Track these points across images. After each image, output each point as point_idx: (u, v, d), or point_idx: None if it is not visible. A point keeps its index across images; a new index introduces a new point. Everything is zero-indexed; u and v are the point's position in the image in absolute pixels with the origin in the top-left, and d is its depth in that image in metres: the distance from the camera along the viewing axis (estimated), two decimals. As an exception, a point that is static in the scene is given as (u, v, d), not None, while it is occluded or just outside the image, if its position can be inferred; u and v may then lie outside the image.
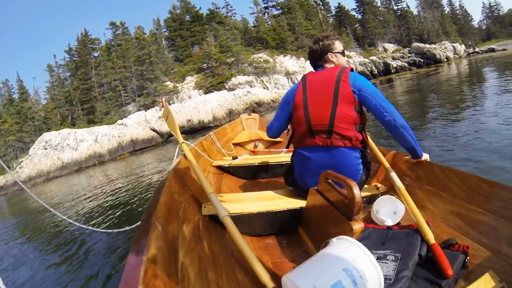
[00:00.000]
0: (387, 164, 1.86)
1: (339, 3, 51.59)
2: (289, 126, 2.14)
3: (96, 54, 40.60)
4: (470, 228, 1.32)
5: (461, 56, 41.86)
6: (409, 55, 39.93)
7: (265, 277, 1.14)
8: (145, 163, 13.07)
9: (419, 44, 41.89)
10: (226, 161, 3.12)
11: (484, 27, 79.69)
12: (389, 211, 1.62)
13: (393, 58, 39.11)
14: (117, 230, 2.01)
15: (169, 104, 26.94)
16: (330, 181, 1.50)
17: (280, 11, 45.47)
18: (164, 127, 24.08)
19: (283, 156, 3.27)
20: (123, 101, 34.41)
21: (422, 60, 38.42)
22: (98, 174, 15.40)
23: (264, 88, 29.76)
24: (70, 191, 11.78)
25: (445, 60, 38.55)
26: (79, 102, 37.74)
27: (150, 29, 43.28)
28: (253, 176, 3.13)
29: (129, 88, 34.98)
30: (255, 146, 4.35)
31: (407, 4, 55.69)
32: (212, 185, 2.57)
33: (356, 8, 52.17)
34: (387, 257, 1.27)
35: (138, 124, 24.85)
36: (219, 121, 24.09)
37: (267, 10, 46.79)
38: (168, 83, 33.32)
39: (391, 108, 1.64)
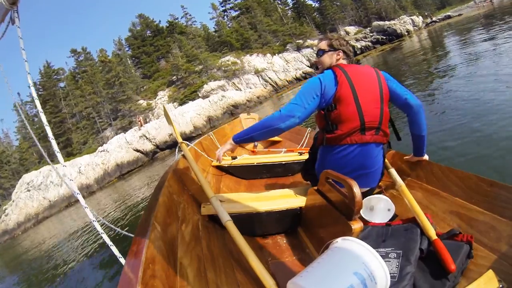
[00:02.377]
0: (387, 162, 1.84)
1: None
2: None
3: (62, 85, 39.43)
4: (470, 227, 1.31)
5: (420, 28, 43.21)
6: (371, 34, 40.68)
7: (266, 278, 1.13)
8: (135, 186, 12.87)
9: (378, 22, 42.81)
10: (226, 161, 3.11)
11: None
12: (383, 208, 1.63)
13: (357, 40, 39.82)
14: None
15: (146, 122, 26.87)
16: (330, 180, 1.51)
17: (239, 12, 45.55)
18: (147, 146, 23.76)
19: (283, 156, 3.28)
20: (99, 128, 33.75)
21: (384, 37, 39.30)
22: (89, 207, 14.66)
23: (237, 90, 29.93)
24: (64, 230, 11.35)
25: (406, 33, 39.66)
26: (53, 137, 36.79)
27: (112, 51, 42.40)
28: (252, 176, 3.14)
29: (103, 113, 34.31)
30: (255, 146, 4.37)
31: None
32: (212, 185, 2.55)
33: None
34: (389, 255, 1.28)
35: (120, 147, 24.50)
36: (200, 130, 24.12)
37: (226, 13, 46.84)
38: (141, 101, 32.94)
39: (409, 91, 1.72)
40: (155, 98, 33.35)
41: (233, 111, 25.77)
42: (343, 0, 52.38)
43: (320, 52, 1.85)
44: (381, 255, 1.23)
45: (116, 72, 33.60)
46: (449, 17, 46.58)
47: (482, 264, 1.15)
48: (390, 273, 1.14)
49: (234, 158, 3.21)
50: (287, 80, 31.78)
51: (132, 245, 1.05)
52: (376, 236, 1.44)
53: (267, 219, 1.89)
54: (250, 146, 4.36)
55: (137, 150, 24.19)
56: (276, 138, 4.43)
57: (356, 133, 1.62)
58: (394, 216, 1.61)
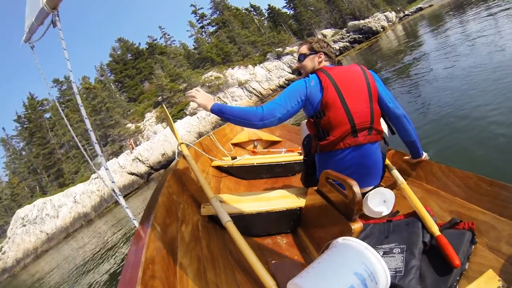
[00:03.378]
0: (387, 161, 1.83)
1: (269, 5, 53.31)
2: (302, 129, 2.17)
3: (48, 115, 39.16)
4: None
5: (394, 23, 44.50)
6: (348, 34, 41.45)
7: (266, 278, 1.13)
8: (134, 209, 12.61)
9: (354, 22, 43.75)
10: (226, 162, 3.11)
11: None
12: (379, 201, 1.60)
13: (334, 42, 40.55)
14: None
15: (136, 145, 26.91)
16: (330, 180, 1.51)
17: (216, 27, 46.17)
18: (140, 168, 23.74)
19: (283, 156, 3.27)
20: (90, 155, 33.49)
21: (361, 36, 40.17)
22: (89, 236, 14.85)
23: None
24: (65, 262, 11.00)
25: (381, 30, 40.66)
26: (43, 169, 36.40)
27: (95, 77, 42.30)
28: (252, 177, 3.13)
29: (92, 140, 33.89)
30: (254, 146, 4.38)
31: None
32: (212, 185, 2.54)
33: (286, 5, 53.82)
34: (393, 251, 1.28)
35: (114, 172, 24.30)
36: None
37: (204, 29, 47.41)
38: (130, 125, 33.03)
39: (393, 97, 1.70)
40: (143, 121, 33.44)
41: (222, 124, 26.06)
42: (317, 4, 53.48)
43: (302, 57, 1.86)
44: (385, 251, 1.28)
45: (102, 98, 33.61)
46: (420, 9, 48.28)
47: (482, 264, 1.15)
48: (396, 268, 1.19)
49: (234, 158, 3.21)
50: (271, 89, 32.30)
51: (132, 245, 1.05)
52: (379, 233, 1.44)
53: (267, 219, 1.90)
54: (250, 146, 4.38)
55: (132, 173, 24.16)
56: (276, 138, 4.49)
57: (349, 136, 1.60)
58: (396, 213, 1.61)
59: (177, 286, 0.99)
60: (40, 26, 1.76)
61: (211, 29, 47.71)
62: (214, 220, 1.79)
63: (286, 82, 32.81)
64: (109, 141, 32.58)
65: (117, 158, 26.42)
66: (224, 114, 1.62)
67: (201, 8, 47.99)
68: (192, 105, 30.18)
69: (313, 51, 1.81)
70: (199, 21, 47.36)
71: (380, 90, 1.67)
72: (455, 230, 1.26)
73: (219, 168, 3.07)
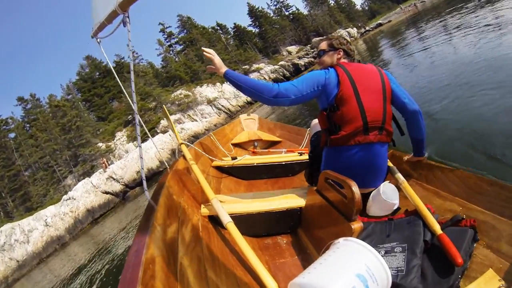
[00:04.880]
0: (388, 160, 1.80)
1: (235, 23, 54.83)
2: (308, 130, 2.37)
3: (12, 135, 37.48)
4: None
5: (356, 38, 47.58)
6: (312, 50, 42.81)
7: (267, 279, 1.13)
8: (110, 230, 12.46)
9: (317, 38, 44.11)
10: (226, 162, 3.12)
11: (366, 7, 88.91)
12: (391, 195, 1.57)
13: (299, 58, 42.80)
14: None
15: (109, 164, 26.79)
16: (330, 181, 1.51)
17: (183, 46, 47.04)
18: (115, 187, 23.46)
19: (283, 157, 3.28)
20: (60, 176, 32.62)
21: None
22: (63, 261, 13.85)
23: (193, 121, 31.07)
24: None
25: None
26: (8, 192, 34.75)
27: (61, 96, 41.26)
28: (252, 177, 3.13)
29: (62, 161, 33.14)
30: (255, 147, 4.39)
31: (296, 8, 60.52)
32: (212, 186, 2.51)
33: (251, 24, 55.88)
34: (395, 249, 1.28)
35: (87, 192, 23.96)
36: (167, 163, 24.11)
37: (172, 48, 48.10)
38: (100, 144, 32.71)
39: (408, 94, 1.70)
40: (113, 140, 33.30)
41: (194, 141, 26.58)
42: (281, 22, 56.14)
43: (321, 53, 1.89)
44: (386, 250, 1.28)
45: (72, 117, 32.96)
46: (380, 24, 52.31)
47: (482, 264, 1.14)
48: (397, 267, 1.18)
49: (234, 158, 3.23)
50: (239, 105, 33.48)
51: (132, 246, 1.05)
52: (380, 232, 1.43)
53: (267, 219, 1.89)
54: (250, 146, 4.40)
55: (106, 192, 23.78)
56: (276, 139, 4.49)
57: (360, 133, 1.59)
58: (397, 210, 1.60)
59: (177, 286, 0.99)
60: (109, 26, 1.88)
61: (179, 47, 48.40)
62: (214, 220, 1.78)
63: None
64: (79, 161, 32.05)
65: (89, 178, 26.07)
66: (238, 81, 1.61)
67: (169, 26, 48.62)
68: (163, 123, 30.79)
69: (332, 48, 1.85)
70: (167, 40, 48.05)
71: (394, 88, 1.68)
72: (457, 228, 1.26)
73: (219, 168, 3.08)
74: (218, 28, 52.95)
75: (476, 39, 6.39)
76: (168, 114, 3.11)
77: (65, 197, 24.92)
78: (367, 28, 56.10)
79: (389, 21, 49.93)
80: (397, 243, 1.31)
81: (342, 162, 1.66)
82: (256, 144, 4.41)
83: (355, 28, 53.29)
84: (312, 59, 41.35)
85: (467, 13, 10.91)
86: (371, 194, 1.64)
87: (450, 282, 1.11)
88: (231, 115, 32.20)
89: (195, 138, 27.38)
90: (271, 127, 4.86)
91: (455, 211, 1.39)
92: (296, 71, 40.12)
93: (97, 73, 45.40)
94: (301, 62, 41.28)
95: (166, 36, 47.84)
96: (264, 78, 37.88)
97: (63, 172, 32.79)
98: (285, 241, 1.90)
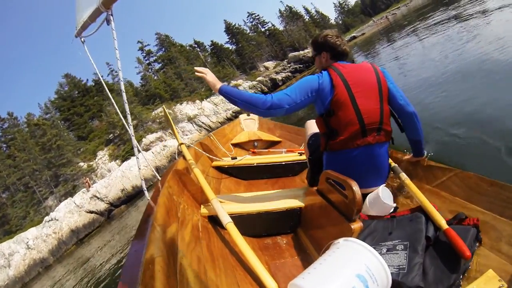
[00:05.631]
0: (390, 160, 1.78)
1: (212, 41, 55.80)
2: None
3: None
4: None
5: None
6: (289, 65, 44.37)
7: (267, 279, 1.13)
8: (97, 250, 12.12)
9: (294, 53, 47.19)
10: (226, 162, 3.12)
11: (340, 21, 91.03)
12: (388, 196, 1.57)
13: (277, 73, 43.54)
14: None
15: (92, 183, 26.58)
16: (330, 181, 1.52)
17: (162, 64, 47.48)
18: (100, 206, 23.17)
19: (283, 157, 3.26)
20: (40, 197, 31.46)
21: (301, 66, 43.27)
22: (48, 284, 13.19)
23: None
24: None
25: None
26: None
27: (39, 115, 40.11)
28: (252, 177, 3.13)
29: (42, 181, 32.07)
30: (255, 147, 4.36)
31: (272, 24, 62.10)
32: (212, 186, 2.50)
33: (229, 40, 56.98)
34: (397, 247, 1.28)
35: (70, 213, 23.40)
36: (151, 181, 24.05)
37: (150, 66, 48.38)
38: (82, 163, 32.37)
39: (404, 95, 1.68)
40: (95, 159, 33.06)
41: (176, 158, 26.85)
42: (258, 38, 57.42)
43: (313, 56, 1.86)
44: (388, 248, 1.29)
45: (52, 135, 32.28)
46: (354, 37, 52.97)
47: (482, 264, 1.14)
48: (399, 265, 1.19)
49: (234, 158, 3.22)
50: (219, 122, 34.05)
51: (132, 246, 1.08)
52: (383, 230, 1.42)
53: (267, 219, 1.88)
54: (250, 146, 4.39)
55: (91, 212, 23.32)
56: (276, 139, 4.48)
57: (358, 136, 1.59)
58: (396, 208, 1.59)
59: (177, 287, 0.98)
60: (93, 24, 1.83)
61: (157, 66, 48.69)
62: (214, 220, 1.77)
63: (234, 114, 34.71)
64: (60, 181, 31.35)
65: (72, 198, 25.48)
66: (232, 96, 1.63)
67: (148, 44, 48.70)
68: (145, 141, 31.11)
69: (316, 51, 1.81)
70: (146, 58, 48.39)
71: (391, 88, 1.65)
72: (460, 226, 1.26)
73: (219, 168, 3.08)
74: (196, 45, 53.95)
75: (443, 45, 6.82)
76: (169, 115, 3.17)
77: (47, 218, 24.11)
78: None
79: (363, 34, 51.19)
80: (399, 240, 1.30)
81: (343, 165, 1.66)
82: (256, 144, 4.41)
83: None
84: (289, 74, 42.62)
85: (435, 23, 12.01)
86: (367, 197, 1.60)
87: (452, 281, 1.11)
88: (212, 131, 32.59)
89: (178, 154, 27.43)
90: (271, 127, 4.87)
91: (455, 211, 1.38)
92: (274, 86, 40.78)
93: (76, 92, 44.84)
94: (279, 77, 42.06)
95: (145, 54, 48.36)
96: None
97: (43, 193, 31.71)
98: (285, 241, 1.90)
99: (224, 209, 1.59)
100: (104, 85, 2.55)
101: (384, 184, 1.68)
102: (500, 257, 1.13)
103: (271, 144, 4.45)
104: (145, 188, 2.07)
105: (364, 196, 1.55)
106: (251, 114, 5.20)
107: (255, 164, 3.13)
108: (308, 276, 1.02)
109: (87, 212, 23.34)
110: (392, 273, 1.13)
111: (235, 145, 4.34)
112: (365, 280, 0.96)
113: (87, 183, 26.32)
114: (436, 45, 7.57)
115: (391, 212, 1.55)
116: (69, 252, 19.92)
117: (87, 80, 46.76)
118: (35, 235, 22.67)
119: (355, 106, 1.58)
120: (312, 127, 2.12)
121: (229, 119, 34.06)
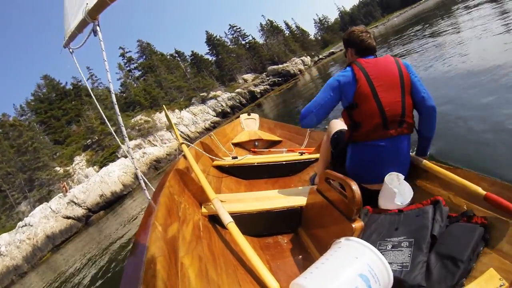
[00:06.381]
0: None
1: (192, 51, 56.05)
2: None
3: None
4: None
5: (310, 66, 50.28)
6: (268, 78, 45.19)
7: (268, 278, 1.12)
8: (74, 257, 11.75)
9: (273, 66, 48.27)
10: (227, 161, 3.11)
11: (320, 37, 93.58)
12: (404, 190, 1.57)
13: (255, 85, 44.18)
14: None
15: (69, 189, 25.99)
16: (330, 180, 1.53)
17: (142, 71, 47.45)
18: (77, 211, 22.77)
19: (284, 156, 3.25)
20: (13, 202, 29.71)
21: (280, 79, 44.30)
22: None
23: (153, 146, 31.62)
24: None
25: (298, 73, 45.40)
26: None
27: (13, 117, 38.31)
28: (253, 176, 3.12)
29: (16, 185, 30.50)
30: (255, 146, 4.38)
31: (253, 37, 63.11)
32: (212, 185, 2.52)
33: (209, 52, 57.62)
34: (402, 244, 1.28)
35: (46, 218, 22.61)
36: (130, 187, 24.71)
37: (131, 74, 48.18)
38: (58, 168, 31.45)
39: (426, 89, 1.70)
40: (72, 164, 32.47)
41: (156, 165, 27.57)
42: (238, 51, 57.83)
43: (344, 53, 1.95)
44: (393, 245, 1.30)
45: (28, 138, 31.13)
46: (332, 53, 54.91)
47: (483, 263, 1.15)
48: (402, 263, 1.19)
49: (235, 158, 3.22)
50: (198, 132, 34.46)
51: (133, 246, 1.08)
52: (389, 225, 1.42)
53: (268, 219, 1.91)
54: (250, 146, 4.42)
55: (68, 217, 22.62)
56: (276, 138, 4.52)
57: (380, 128, 1.64)
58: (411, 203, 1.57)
59: (179, 286, 0.99)
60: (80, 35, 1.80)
61: (138, 73, 48.53)
62: (215, 219, 1.77)
63: (212, 124, 35.46)
64: (35, 185, 29.99)
65: (48, 202, 24.68)
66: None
67: (129, 51, 48.41)
68: (124, 147, 30.60)
69: (345, 47, 1.90)
70: (126, 65, 48.07)
71: (414, 81, 1.68)
72: (467, 224, 1.26)
73: (220, 168, 3.07)
74: (177, 55, 54.00)
75: (415, 60, 7.37)
76: (168, 114, 3.18)
77: (20, 223, 23.19)
78: (320, 56, 58.85)
79: (341, 50, 50.80)
80: (404, 237, 1.30)
81: (366, 157, 1.71)
82: (256, 143, 4.42)
83: (308, 57, 55.66)
84: (268, 87, 43.53)
85: (411, 40, 12.82)
86: (384, 190, 1.60)
87: (455, 280, 1.10)
88: (191, 141, 32.50)
89: (157, 162, 28.04)
90: (272, 127, 4.94)
91: (456, 211, 1.38)
92: (252, 98, 41.21)
93: (54, 94, 43.81)
94: (257, 89, 42.37)
95: (126, 61, 48.09)
96: (222, 105, 39.31)
97: (16, 197, 30.08)
98: (286, 241, 1.90)
99: (225, 208, 1.59)
100: (91, 93, 2.61)
101: (404, 176, 1.65)
102: (501, 256, 1.13)
103: (272, 144, 4.48)
104: (145, 188, 2.15)
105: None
106: (251, 114, 5.36)
107: (255, 164, 3.15)
108: (310, 276, 1.01)
109: (64, 218, 22.63)
110: (395, 271, 1.15)
111: (236, 144, 4.40)
112: (368, 280, 0.96)
113: (64, 188, 25.64)
114: (408, 60, 8.19)
115: (404, 206, 1.53)
116: (45, 259, 19.29)
117: (66, 83, 45.97)
118: (7, 241, 21.78)
119: (377, 99, 1.63)
120: (337, 125, 2.20)
121: (207, 129, 34.45)
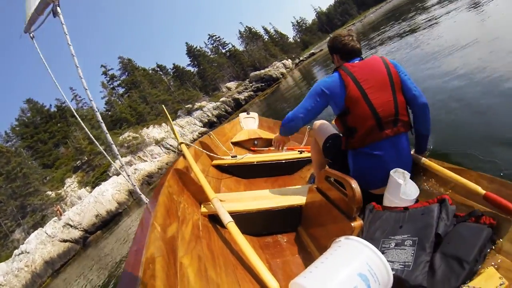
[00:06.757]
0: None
1: (174, 64, 56.60)
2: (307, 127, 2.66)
3: None
4: None
5: (292, 68, 50.28)
6: (251, 84, 45.48)
7: (268, 278, 1.11)
8: (75, 280, 11.69)
9: (255, 72, 48.43)
10: (226, 161, 3.12)
11: (299, 39, 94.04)
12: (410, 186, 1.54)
13: (239, 93, 44.54)
14: None
15: (64, 212, 25.91)
16: (330, 179, 1.52)
17: (126, 88, 47.53)
18: (74, 234, 22.66)
19: (283, 155, 3.23)
20: (6, 230, 29.16)
21: (263, 84, 44.49)
22: None
23: (144, 162, 31.71)
24: None
25: (281, 76, 45.48)
26: None
27: None
28: (252, 175, 3.12)
29: (7, 213, 29.96)
30: (255, 145, 4.34)
31: (232, 45, 65.63)
32: (212, 184, 2.51)
33: (190, 63, 58.09)
34: (405, 242, 1.26)
35: (42, 243, 22.10)
36: (125, 204, 24.72)
37: (115, 91, 48.25)
38: (49, 192, 31.22)
39: (417, 87, 1.68)
40: (63, 187, 32.17)
41: (149, 181, 27.63)
42: (219, 60, 58.50)
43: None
44: (397, 243, 1.28)
45: (16, 164, 30.72)
46: (313, 54, 55.16)
47: (486, 262, 1.13)
48: (405, 262, 1.17)
49: (234, 157, 3.20)
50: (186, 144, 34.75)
51: (132, 245, 1.07)
52: (394, 222, 1.40)
53: (268, 218, 1.90)
54: (250, 145, 4.40)
55: (65, 241, 22.26)
56: None
57: (375, 130, 1.62)
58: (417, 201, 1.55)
59: (178, 286, 0.98)
60: (41, 17, 1.72)
61: (121, 90, 48.57)
62: (214, 219, 1.77)
63: (199, 135, 35.43)
64: (28, 211, 29.53)
65: (43, 228, 24.10)
66: (283, 130, 1.99)
67: (111, 68, 48.49)
68: (117, 164, 30.22)
69: (330, 53, 1.91)
70: (109, 82, 48.08)
71: (404, 79, 1.67)
72: (474, 224, 1.23)
73: (219, 167, 3.06)
74: (158, 69, 54.28)
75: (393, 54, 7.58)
76: (168, 114, 3.24)
77: (16, 251, 22.64)
78: (301, 58, 58.81)
79: (321, 50, 51.30)
80: (408, 235, 1.28)
81: (367, 162, 1.68)
82: (256, 142, 4.39)
83: (289, 60, 56.33)
84: (252, 93, 43.37)
85: (388, 35, 13.09)
86: (389, 184, 1.57)
87: (459, 282, 1.07)
88: (181, 153, 32.93)
89: (149, 177, 28.11)
90: (271, 126, 4.90)
91: (460, 210, 1.36)
92: (237, 106, 41.25)
93: (39, 118, 43.19)
94: (241, 96, 43.06)
95: (108, 78, 48.10)
96: (208, 115, 39.65)
97: (9, 225, 29.53)
98: (285, 240, 1.89)
99: (225, 207, 1.57)
100: (73, 110, 2.57)
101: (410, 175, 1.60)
102: (501, 255, 1.12)
103: (271, 143, 5.16)
104: (141, 193, 2.02)
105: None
106: (250, 113, 5.30)
107: (255, 163, 3.16)
108: (310, 275, 1.02)
109: (61, 241, 22.24)
110: (396, 270, 1.15)
111: (235, 143, 4.36)
112: (367, 279, 0.96)
113: (58, 211, 25.46)
114: (387, 55, 8.37)
115: (409, 203, 1.50)
116: (45, 286, 19.17)
117: (50, 105, 45.44)
118: (5, 270, 21.15)
119: (368, 101, 1.60)
120: (323, 130, 2.10)
121: (195, 140, 34.05)
